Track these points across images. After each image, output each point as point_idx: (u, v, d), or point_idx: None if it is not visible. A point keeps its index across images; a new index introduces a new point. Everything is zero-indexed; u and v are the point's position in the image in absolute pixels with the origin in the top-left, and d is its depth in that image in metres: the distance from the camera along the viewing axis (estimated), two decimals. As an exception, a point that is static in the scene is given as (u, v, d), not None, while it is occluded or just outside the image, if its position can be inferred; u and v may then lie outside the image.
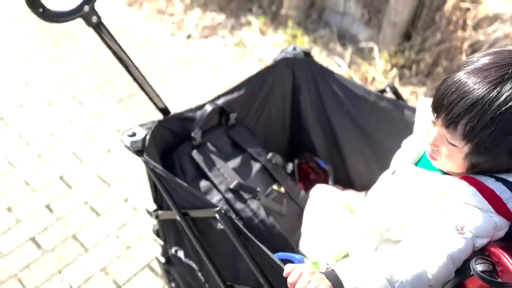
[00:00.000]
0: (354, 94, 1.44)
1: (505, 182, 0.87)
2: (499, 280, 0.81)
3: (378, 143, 1.46)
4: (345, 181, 1.59)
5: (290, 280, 0.79)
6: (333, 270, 0.83)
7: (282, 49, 1.56)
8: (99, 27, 0.99)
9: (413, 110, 1.32)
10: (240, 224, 0.94)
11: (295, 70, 1.54)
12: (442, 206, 0.90)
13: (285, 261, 1.03)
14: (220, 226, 0.99)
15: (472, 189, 0.87)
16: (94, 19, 0.97)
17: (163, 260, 1.50)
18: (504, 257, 0.84)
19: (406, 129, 1.33)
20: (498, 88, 0.81)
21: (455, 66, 1.53)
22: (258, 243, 0.89)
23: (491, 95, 0.81)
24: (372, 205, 1.13)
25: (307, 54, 1.53)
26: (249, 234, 0.91)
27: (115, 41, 1.05)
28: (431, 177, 0.97)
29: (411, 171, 1.04)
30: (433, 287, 0.86)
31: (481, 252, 0.88)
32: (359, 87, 1.43)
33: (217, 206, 0.98)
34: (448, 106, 0.85)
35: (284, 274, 0.80)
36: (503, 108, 0.80)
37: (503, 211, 0.87)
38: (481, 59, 0.87)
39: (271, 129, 1.61)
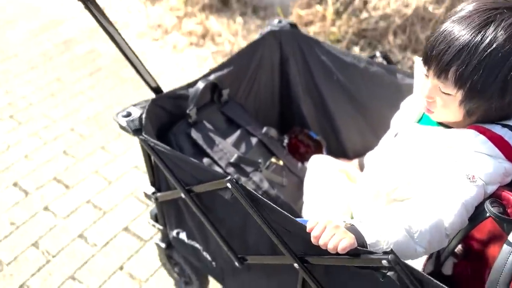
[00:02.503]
0: (343, 62, 1.44)
1: (511, 128, 0.90)
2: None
3: (370, 110, 1.47)
4: (338, 151, 1.60)
5: (314, 234, 0.79)
6: (353, 225, 0.83)
7: (267, 22, 1.55)
8: (90, 3, 0.95)
9: (404, 73, 1.34)
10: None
11: (282, 43, 1.53)
12: (452, 157, 0.92)
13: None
14: (231, 195, 0.98)
15: (481, 136, 0.90)
16: (84, -9, 0.93)
17: (163, 245, 1.48)
18: (514, 199, 0.87)
19: (399, 93, 1.34)
20: (482, 32, 0.84)
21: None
22: (274, 206, 0.88)
23: (476, 39, 0.84)
24: (377, 167, 1.14)
25: (293, 26, 1.52)
26: (263, 199, 0.90)
27: (106, 17, 1.01)
28: (437, 132, 0.99)
29: (416, 129, 1.05)
30: (449, 236, 0.88)
31: (491, 197, 0.91)
32: (348, 54, 1.43)
33: (226, 176, 0.96)
34: (437, 56, 0.88)
35: (308, 229, 0.80)
36: (488, 50, 0.83)
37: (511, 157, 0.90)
38: (465, 7, 0.90)
39: (261, 103, 1.60)
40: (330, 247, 0.77)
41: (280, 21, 1.54)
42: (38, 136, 2.23)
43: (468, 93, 0.88)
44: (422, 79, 0.98)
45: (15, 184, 1.98)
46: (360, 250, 0.78)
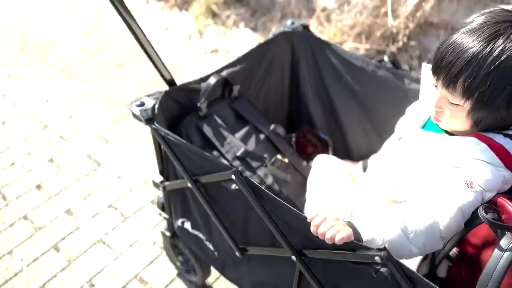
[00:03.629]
0: (353, 65, 1.47)
1: None
2: (505, 224, 0.86)
3: (376, 113, 1.50)
4: (344, 152, 1.63)
5: (314, 222, 0.83)
6: (350, 221, 0.87)
7: (281, 23, 1.58)
8: (111, -6, 1.00)
9: (411, 78, 1.37)
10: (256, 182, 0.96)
11: (294, 44, 1.57)
12: (452, 163, 0.95)
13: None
14: (235, 187, 1.02)
15: (482, 144, 0.92)
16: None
17: (168, 234, 1.52)
18: (509, 205, 0.89)
19: (405, 97, 1.37)
20: (490, 45, 0.86)
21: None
22: (277, 198, 0.92)
23: (484, 52, 0.86)
24: (380, 169, 1.17)
25: (305, 28, 1.56)
26: (266, 191, 0.94)
27: (127, 9, 1.05)
28: (440, 138, 1.02)
29: (419, 134, 1.08)
30: (444, 238, 0.91)
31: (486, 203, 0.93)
32: (358, 58, 1.46)
33: (231, 168, 1.00)
34: (447, 67, 0.90)
35: (309, 218, 0.84)
36: (496, 63, 0.85)
37: (511, 165, 0.92)
38: (475, 19, 0.92)
39: (271, 102, 1.64)
40: (328, 236, 0.80)
41: (293, 23, 1.57)
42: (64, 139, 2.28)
43: (476, 104, 0.90)
44: (430, 87, 1.00)
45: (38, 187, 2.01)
46: (356, 244, 0.81)
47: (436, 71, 0.94)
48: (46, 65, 2.82)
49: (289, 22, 1.58)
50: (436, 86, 0.96)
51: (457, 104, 0.92)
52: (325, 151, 1.60)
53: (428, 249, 0.91)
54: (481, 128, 0.96)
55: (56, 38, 3.09)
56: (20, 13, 3.36)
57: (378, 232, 0.85)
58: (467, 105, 0.91)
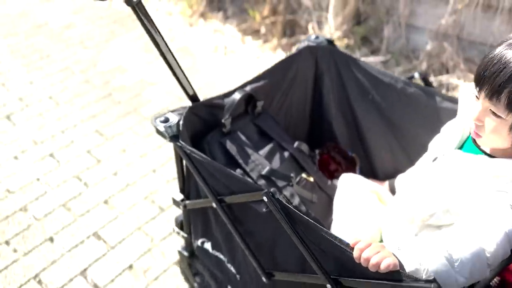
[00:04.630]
0: (381, 82, 1.43)
1: None
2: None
3: (404, 131, 1.45)
4: (368, 171, 1.58)
5: (359, 246, 0.78)
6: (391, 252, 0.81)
7: (305, 38, 1.54)
8: (138, 7, 0.96)
9: (443, 96, 1.32)
10: (290, 206, 0.91)
11: (318, 58, 1.53)
12: (496, 187, 0.90)
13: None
14: (265, 209, 0.96)
15: None
16: (134, -2, 0.94)
17: (186, 253, 1.47)
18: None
19: (436, 116, 1.32)
20: None
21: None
22: (313, 222, 0.87)
23: None
24: (413, 191, 1.12)
25: (330, 42, 1.52)
26: (301, 214, 0.88)
27: (153, 22, 1.02)
28: (480, 160, 0.97)
29: (457, 156, 1.03)
30: (491, 266, 0.85)
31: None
32: (386, 74, 1.42)
33: (262, 189, 0.95)
34: (490, 77, 0.87)
35: (352, 243, 0.79)
36: None
37: None
38: None
39: (293, 118, 1.59)
40: (373, 262, 0.76)
41: (317, 37, 1.54)
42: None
43: None
44: (471, 102, 0.96)
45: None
46: (402, 274, 0.75)
47: (479, 81, 0.91)
48: (141, 120, 2.37)
49: (313, 36, 1.54)
50: (477, 97, 0.93)
51: (499, 117, 0.89)
52: (350, 169, 1.54)
53: (475, 278, 0.85)
54: None
55: (145, 82, 2.66)
56: (97, 50, 2.94)
57: (422, 262, 0.80)
58: (510, 118, 0.87)
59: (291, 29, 3.02)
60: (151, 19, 1.02)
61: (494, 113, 0.89)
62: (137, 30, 3.10)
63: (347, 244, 0.81)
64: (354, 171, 1.53)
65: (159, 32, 1.06)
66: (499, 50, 0.89)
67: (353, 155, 1.55)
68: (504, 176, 0.90)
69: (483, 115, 0.92)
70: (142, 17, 1.00)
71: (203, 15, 3.29)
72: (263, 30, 3.02)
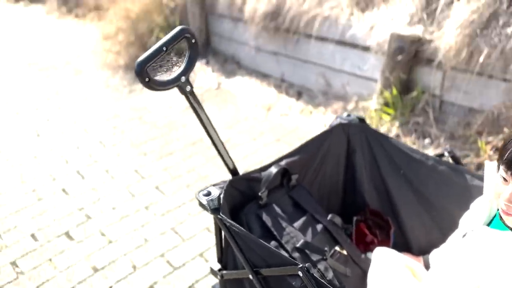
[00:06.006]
0: (411, 158, 1.48)
1: None
2: None
3: (436, 207, 1.48)
4: (402, 245, 1.59)
5: None
6: None
7: (337, 116, 1.65)
8: (191, 95, 1.10)
9: (473, 174, 1.36)
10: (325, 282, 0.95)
11: (350, 135, 1.62)
12: None
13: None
14: (300, 284, 1.01)
15: None
16: (188, 88, 1.07)
17: (221, 322, 1.49)
18: None
19: (467, 193, 1.35)
20: None
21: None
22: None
23: None
24: (444, 267, 1.13)
25: (361, 120, 1.61)
26: (336, 292, 0.92)
27: (202, 107, 1.15)
28: (507, 236, 0.99)
29: (486, 232, 1.05)
30: None
31: None
32: (415, 151, 1.48)
33: (298, 264, 1.00)
34: None
35: None
36: None
37: None
38: None
39: (325, 191, 1.65)
40: None
41: (349, 115, 1.63)
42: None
43: None
44: (498, 182, 0.99)
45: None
46: None
47: (510, 166, 0.93)
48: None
49: (345, 114, 1.64)
50: (506, 180, 0.95)
51: None
52: (384, 242, 1.56)
53: None
54: None
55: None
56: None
57: None
58: None
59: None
60: (201, 105, 1.16)
61: None
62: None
63: None
64: (389, 239, 1.54)
65: (206, 115, 1.18)
66: None
67: (388, 217, 1.57)
68: None
69: None
70: (194, 104, 1.13)
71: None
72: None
